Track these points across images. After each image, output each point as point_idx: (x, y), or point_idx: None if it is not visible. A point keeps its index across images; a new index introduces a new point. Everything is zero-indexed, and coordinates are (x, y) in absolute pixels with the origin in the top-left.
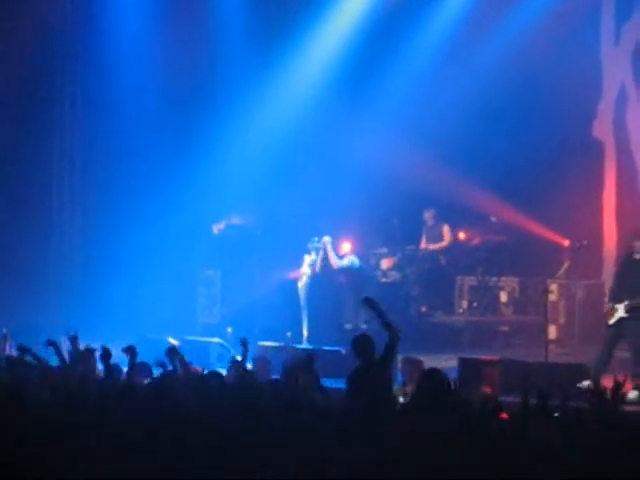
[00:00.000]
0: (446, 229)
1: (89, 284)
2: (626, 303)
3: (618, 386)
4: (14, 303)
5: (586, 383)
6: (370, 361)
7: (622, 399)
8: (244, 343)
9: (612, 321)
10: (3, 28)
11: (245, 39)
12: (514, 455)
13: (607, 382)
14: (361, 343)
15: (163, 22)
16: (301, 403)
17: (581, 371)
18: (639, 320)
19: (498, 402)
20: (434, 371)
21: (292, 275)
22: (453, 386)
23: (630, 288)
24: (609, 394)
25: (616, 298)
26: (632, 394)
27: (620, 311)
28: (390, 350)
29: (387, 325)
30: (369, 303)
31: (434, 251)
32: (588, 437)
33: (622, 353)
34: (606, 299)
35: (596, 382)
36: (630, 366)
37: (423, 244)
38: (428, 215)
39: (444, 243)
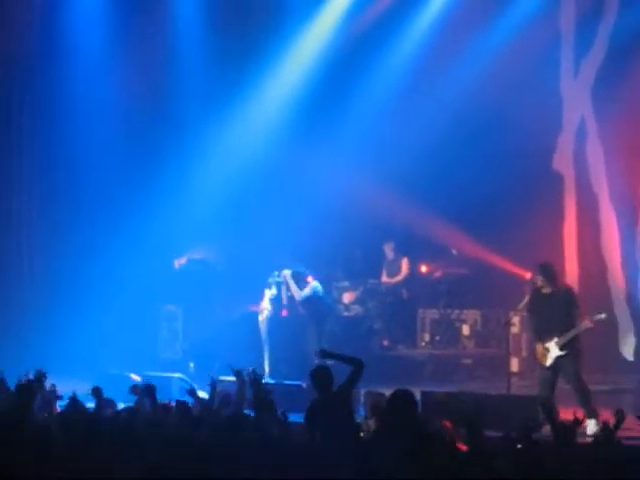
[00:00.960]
0: (404, 262)
1: (49, 318)
2: (556, 340)
3: (577, 423)
4: None
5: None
6: (328, 394)
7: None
8: (213, 384)
9: (549, 362)
10: None
11: (206, 72)
12: None
13: (565, 415)
14: (321, 376)
15: (123, 53)
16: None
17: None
18: (573, 357)
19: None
20: (404, 391)
21: (253, 309)
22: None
23: (552, 323)
24: (568, 430)
25: (543, 337)
26: (590, 425)
27: (554, 350)
28: (354, 379)
29: (350, 359)
30: (324, 354)
31: (395, 284)
32: (551, 470)
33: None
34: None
35: (552, 423)
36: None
37: (384, 278)
38: (388, 248)
39: (399, 277)
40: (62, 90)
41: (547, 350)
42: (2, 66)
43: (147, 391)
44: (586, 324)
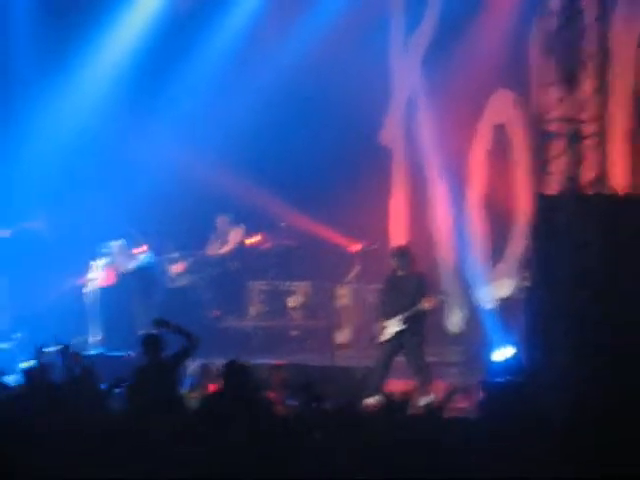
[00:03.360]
0: (233, 233)
1: None
2: (398, 318)
3: (404, 397)
4: None
5: (372, 400)
6: (157, 360)
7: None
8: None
9: (386, 337)
10: None
11: (35, 42)
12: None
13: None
14: (150, 342)
15: None
16: None
17: (367, 374)
18: (415, 333)
19: None
20: (236, 362)
21: (82, 281)
22: None
23: (398, 304)
24: (398, 402)
25: (385, 315)
26: (423, 402)
27: (394, 326)
28: (185, 353)
29: (187, 335)
30: (159, 324)
31: (223, 255)
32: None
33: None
34: None
35: (382, 395)
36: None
37: (212, 249)
38: (221, 220)
39: (227, 248)
40: None
41: (385, 327)
42: None
43: None
44: (423, 305)
